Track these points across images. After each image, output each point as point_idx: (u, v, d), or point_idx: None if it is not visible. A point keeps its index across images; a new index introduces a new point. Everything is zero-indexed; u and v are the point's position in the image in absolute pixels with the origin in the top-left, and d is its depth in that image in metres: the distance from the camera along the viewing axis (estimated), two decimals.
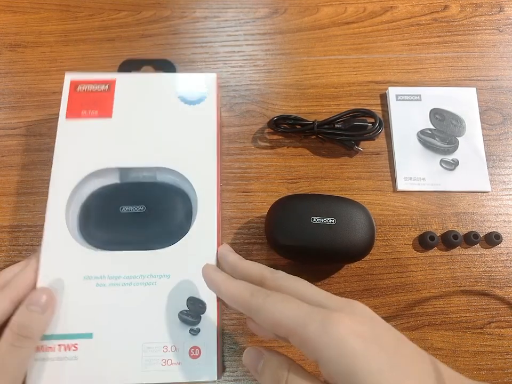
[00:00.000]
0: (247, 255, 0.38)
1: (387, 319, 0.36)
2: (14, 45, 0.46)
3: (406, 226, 0.39)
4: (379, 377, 0.21)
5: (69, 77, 0.37)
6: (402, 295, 0.37)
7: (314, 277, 0.37)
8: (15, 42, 0.46)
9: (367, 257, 0.36)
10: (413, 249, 0.38)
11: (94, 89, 0.37)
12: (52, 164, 0.35)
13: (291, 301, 0.24)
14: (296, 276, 0.36)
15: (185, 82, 0.38)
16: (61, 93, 0.43)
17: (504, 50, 0.46)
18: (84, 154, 0.35)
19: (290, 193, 0.39)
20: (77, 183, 0.34)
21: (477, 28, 0.47)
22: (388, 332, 0.24)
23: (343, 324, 0.22)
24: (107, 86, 0.37)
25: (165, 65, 0.43)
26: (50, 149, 0.41)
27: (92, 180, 0.36)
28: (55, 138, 0.41)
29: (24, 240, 0.38)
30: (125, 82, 0.37)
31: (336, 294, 0.36)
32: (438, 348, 0.35)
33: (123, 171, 0.36)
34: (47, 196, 0.39)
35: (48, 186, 0.39)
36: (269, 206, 0.36)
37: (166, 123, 0.36)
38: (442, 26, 0.47)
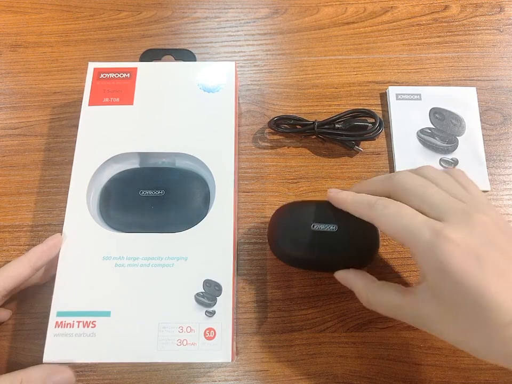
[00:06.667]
0: (247, 255, 0.38)
1: (387, 319, 0.36)
2: (15, 45, 0.46)
3: None
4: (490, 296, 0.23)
5: (92, 65, 0.39)
6: None
7: (315, 276, 0.37)
8: (16, 42, 0.46)
9: None
10: None
11: (116, 77, 0.38)
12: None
13: (405, 214, 0.26)
14: (296, 276, 0.36)
15: (205, 70, 0.39)
16: (61, 93, 0.44)
17: (505, 50, 0.46)
18: (105, 139, 0.36)
19: (293, 198, 0.39)
20: (98, 167, 0.35)
21: (477, 28, 0.47)
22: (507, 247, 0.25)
23: (450, 245, 0.24)
24: (129, 74, 0.38)
25: (185, 55, 0.43)
26: (51, 149, 0.41)
27: (113, 164, 0.37)
28: (55, 138, 0.42)
29: (25, 240, 0.38)
30: (146, 70, 0.39)
31: (336, 293, 0.37)
32: (438, 347, 0.35)
33: (143, 156, 0.38)
34: (48, 196, 0.40)
35: (49, 186, 0.40)
36: (269, 206, 0.36)
37: (185, 110, 0.37)
38: (443, 27, 0.47)
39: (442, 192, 0.27)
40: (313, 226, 0.32)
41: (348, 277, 0.31)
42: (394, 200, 0.28)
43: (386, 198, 0.28)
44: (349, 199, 0.30)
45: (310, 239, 0.32)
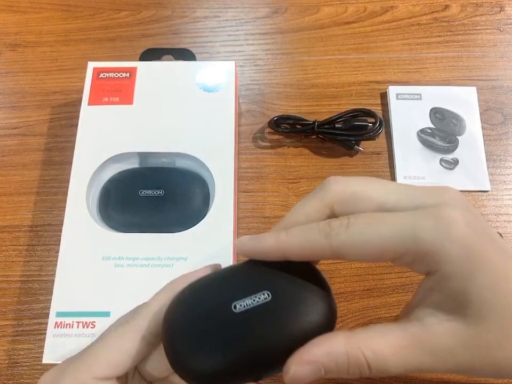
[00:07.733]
0: None
1: (388, 319, 0.36)
2: (14, 44, 0.46)
3: None
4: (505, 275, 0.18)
5: (92, 65, 0.39)
6: (403, 295, 0.37)
7: None
8: (15, 42, 0.46)
9: None
10: None
11: (115, 77, 0.38)
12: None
13: (379, 218, 0.19)
14: None
15: (204, 70, 0.39)
16: (61, 92, 0.44)
17: (505, 50, 0.46)
18: (105, 139, 0.36)
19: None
20: (98, 167, 0.35)
21: (478, 27, 0.47)
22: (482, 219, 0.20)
23: (458, 221, 0.18)
24: (128, 74, 0.38)
25: (184, 54, 0.43)
26: (51, 149, 0.41)
27: (112, 164, 0.37)
28: (55, 138, 0.42)
29: (24, 240, 0.38)
30: (146, 70, 0.39)
31: (336, 294, 0.36)
32: None
33: (142, 156, 0.38)
34: (47, 196, 0.40)
35: (48, 186, 0.40)
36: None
37: (185, 110, 0.37)
38: (443, 26, 0.47)
39: (393, 183, 0.21)
40: (234, 307, 0.20)
41: (316, 355, 0.19)
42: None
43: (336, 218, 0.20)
44: (283, 240, 0.20)
45: (236, 329, 0.20)
